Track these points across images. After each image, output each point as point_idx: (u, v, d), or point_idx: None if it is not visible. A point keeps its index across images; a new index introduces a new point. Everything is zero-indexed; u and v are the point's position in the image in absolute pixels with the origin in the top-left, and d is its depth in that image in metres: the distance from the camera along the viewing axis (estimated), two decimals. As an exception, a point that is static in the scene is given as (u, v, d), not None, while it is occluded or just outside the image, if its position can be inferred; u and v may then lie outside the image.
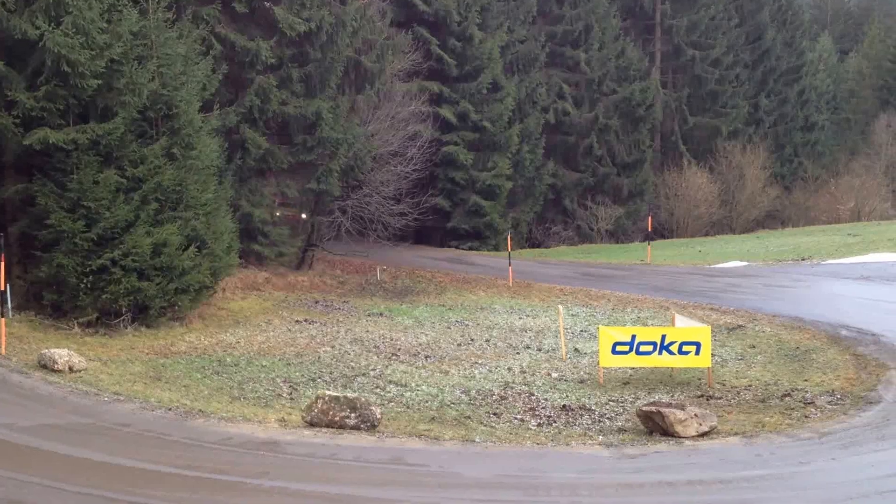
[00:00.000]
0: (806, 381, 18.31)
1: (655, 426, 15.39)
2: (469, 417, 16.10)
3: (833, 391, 17.52)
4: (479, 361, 20.03)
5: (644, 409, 15.77)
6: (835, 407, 16.68)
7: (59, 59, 20.03)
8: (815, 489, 12.94)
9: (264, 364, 19.14)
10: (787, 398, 17.19)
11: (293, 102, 29.63)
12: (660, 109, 55.09)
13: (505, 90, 43.19)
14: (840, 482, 13.14)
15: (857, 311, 23.46)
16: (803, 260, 33.49)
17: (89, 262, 20.58)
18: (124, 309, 21.01)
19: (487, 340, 22.21)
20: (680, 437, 15.09)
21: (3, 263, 18.29)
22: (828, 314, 23.48)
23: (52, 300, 20.97)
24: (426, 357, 20.34)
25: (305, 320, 24.07)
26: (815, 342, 21.26)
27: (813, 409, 16.53)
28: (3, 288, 18.55)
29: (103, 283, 20.66)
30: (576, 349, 21.02)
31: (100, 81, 20.62)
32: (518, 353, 20.88)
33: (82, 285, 20.58)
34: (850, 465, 13.88)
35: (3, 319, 18.17)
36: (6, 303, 19.26)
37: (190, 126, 22.58)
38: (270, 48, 28.16)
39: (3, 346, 18.38)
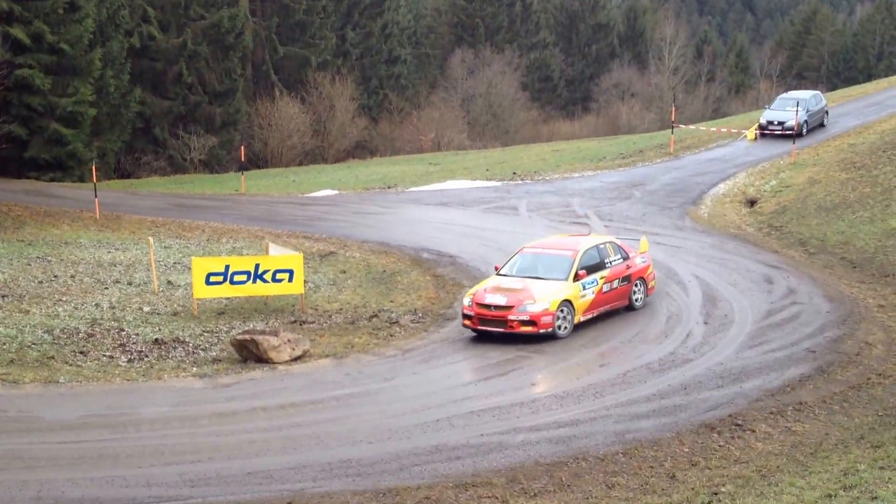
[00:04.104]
0: (392, 301, 19.53)
1: (250, 354, 15.64)
2: (53, 357, 15.22)
3: (416, 310, 18.89)
4: (64, 299, 18.88)
5: (238, 337, 15.94)
6: (417, 325, 18.03)
7: None
8: (398, 402, 14.00)
9: None
10: (375, 319, 18.26)
11: None
12: (250, 38, 54.61)
13: (84, 10, 40.22)
14: (420, 394, 14.33)
15: (437, 235, 25.30)
16: (389, 188, 35.29)
17: None
18: None
19: (72, 276, 20.97)
20: (274, 362, 15.50)
21: None
22: (411, 239, 25.07)
23: None
24: (2, 296, 18.76)
25: None
26: (399, 265, 22.65)
27: (398, 328, 17.74)
28: None
29: None
30: (169, 282, 20.56)
31: None
32: (107, 289, 19.97)
33: None
34: (429, 378, 15.18)
35: None
36: None
37: None
38: None
39: None
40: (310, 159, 53.72)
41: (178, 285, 20.26)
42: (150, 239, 21.24)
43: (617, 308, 17.96)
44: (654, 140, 41.21)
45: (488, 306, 16.77)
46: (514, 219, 27.41)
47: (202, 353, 16.02)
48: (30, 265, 21.98)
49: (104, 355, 15.56)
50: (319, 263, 22.70)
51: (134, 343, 16.27)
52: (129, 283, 20.52)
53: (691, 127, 41.35)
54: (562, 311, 16.72)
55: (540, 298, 16.63)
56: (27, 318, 17.35)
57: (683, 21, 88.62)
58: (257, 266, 18.58)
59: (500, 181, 34.40)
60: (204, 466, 11.24)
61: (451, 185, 34.53)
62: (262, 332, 16.04)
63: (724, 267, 21.37)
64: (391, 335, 17.34)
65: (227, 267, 18.50)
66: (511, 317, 16.57)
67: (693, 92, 71.38)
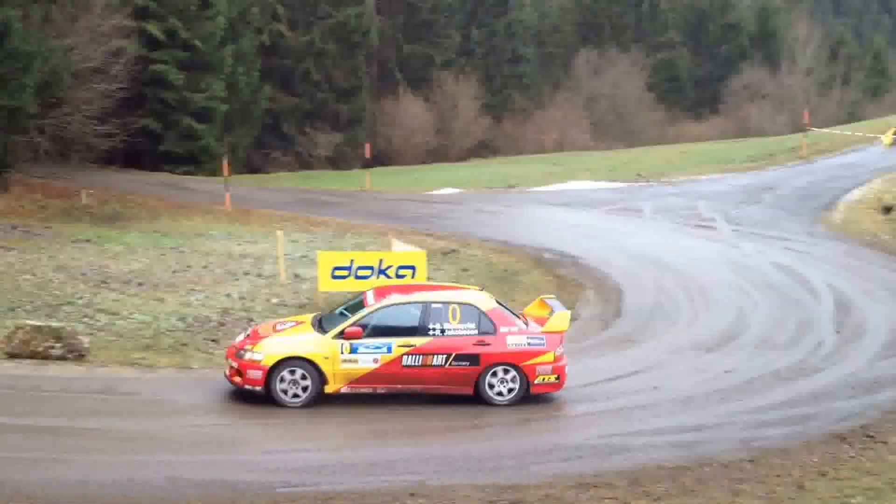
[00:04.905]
0: (513, 301, 19.43)
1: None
2: (186, 344, 15.76)
3: (536, 309, 18.79)
4: (196, 288, 19.54)
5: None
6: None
7: None
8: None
9: (-46, 294, 17.61)
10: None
11: (-21, 10, 26.89)
12: (376, 36, 55.43)
13: (215, 7, 41.55)
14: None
15: (559, 236, 25.17)
16: (511, 188, 35.29)
17: None
18: None
19: (205, 267, 21.68)
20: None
21: None
22: (532, 238, 25.01)
23: None
24: (139, 284, 19.53)
25: (2, 247, 22.28)
26: (521, 265, 22.62)
27: (518, 326, 17.67)
28: None
29: None
30: (296, 275, 21.03)
31: None
32: (237, 280, 20.57)
33: None
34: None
35: None
36: None
37: None
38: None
39: None
40: (433, 157, 54.13)
41: (305, 278, 20.69)
42: (279, 232, 21.77)
43: (450, 393, 13.06)
44: (785, 143, 40.00)
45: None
46: (637, 221, 27.05)
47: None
48: (164, 255, 22.84)
49: (234, 343, 16.01)
50: (441, 261, 22.84)
51: (262, 332, 16.68)
52: (258, 275, 21.08)
53: (825, 130, 39.97)
54: (291, 371, 12.60)
55: (263, 346, 12.78)
56: (162, 305, 18.02)
57: (818, 22, 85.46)
58: (381, 261, 18.81)
59: (623, 182, 34.00)
60: (327, 455, 11.46)
61: (573, 185, 34.32)
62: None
63: (857, 275, 20.58)
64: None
65: (351, 261, 18.80)
66: (228, 359, 13.18)
67: (827, 95, 68.91)
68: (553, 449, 11.87)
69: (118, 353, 14.80)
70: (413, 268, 18.63)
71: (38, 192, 30.13)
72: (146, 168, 39.47)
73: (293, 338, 13.06)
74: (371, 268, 18.73)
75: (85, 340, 14.52)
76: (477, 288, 14.66)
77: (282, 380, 12.62)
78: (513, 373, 12.98)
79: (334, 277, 18.58)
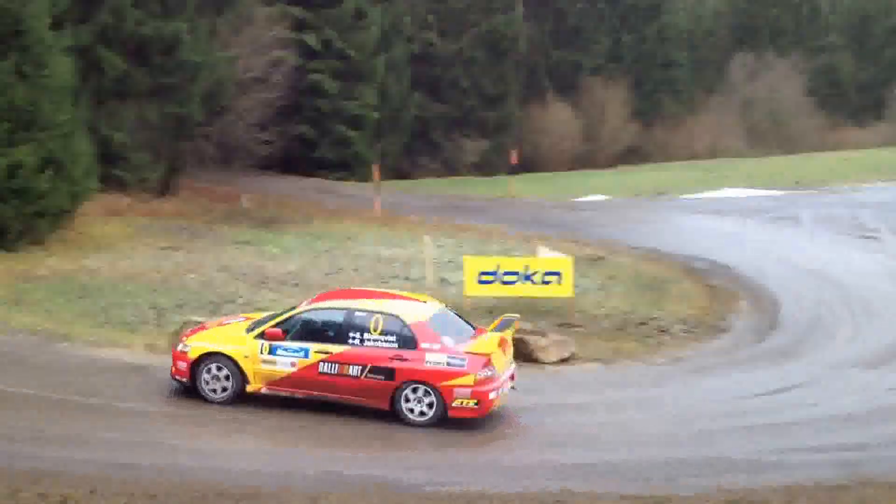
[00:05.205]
0: (661, 310, 19.18)
1: (518, 352, 15.85)
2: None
3: (687, 320, 18.43)
4: (348, 290, 20.06)
5: (508, 335, 16.19)
6: (688, 335, 17.59)
7: None
8: (665, 410, 13.71)
9: (129, 290, 18.68)
10: (644, 326, 18.00)
11: (150, 23, 28.42)
12: (524, 43, 55.46)
13: (369, 18, 42.58)
14: (690, 404, 13.96)
15: (711, 244, 24.59)
16: (661, 194, 34.71)
17: (-60, 185, 19.68)
18: (-20, 231, 20.22)
19: (355, 269, 22.25)
20: (542, 362, 15.64)
21: None
22: (683, 246, 24.51)
23: None
24: (294, 285, 20.23)
25: (170, 247, 23.50)
26: (670, 273, 22.22)
27: (667, 337, 17.39)
28: None
29: (-44, 206, 19.81)
30: (443, 279, 21.30)
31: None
32: (385, 283, 20.99)
33: (-66, 208, 19.69)
34: (700, 388, 14.75)
35: None
36: None
37: (40, 44, 21.57)
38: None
39: None
40: (580, 164, 53.69)
41: (451, 282, 20.92)
42: (427, 237, 22.11)
43: (365, 406, 12.27)
44: (956, 150, 37.79)
45: None
46: (795, 230, 26.15)
47: (473, 349, 16.41)
48: (317, 257, 23.58)
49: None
50: (588, 268, 22.67)
51: (411, 335, 16.95)
52: (406, 279, 21.47)
53: None
54: (218, 367, 12.44)
55: (192, 340, 12.77)
56: (315, 306, 18.57)
57: None
58: (526, 267, 18.89)
59: (780, 190, 32.91)
60: (461, 456, 11.57)
61: (726, 192, 33.46)
62: (531, 332, 16.25)
63: None
64: (660, 343, 17.03)
65: (497, 266, 18.95)
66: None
67: None
68: (703, 462, 11.59)
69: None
70: (559, 274, 18.60)
71: (203, 195, 31.61)
72: (301, 173, 40.76)
73: (221, 334, 12.96)
74: (517, 273, 18.81)
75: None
76: (433, 298, 14.10)
77: (206, 373, 12.48)
78: (429, 392, 12.05)
79: (480, 282, 18.76)
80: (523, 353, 15.72)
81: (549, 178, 45.58)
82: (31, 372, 13.34)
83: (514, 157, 37.66)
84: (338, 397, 12.31)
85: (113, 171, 27.16)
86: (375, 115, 42.84)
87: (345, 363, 12.16)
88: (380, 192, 30.83)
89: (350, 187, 37.77)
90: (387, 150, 45.90)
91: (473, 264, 19.00)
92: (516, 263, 19.20)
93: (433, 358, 12.03)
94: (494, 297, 19.42)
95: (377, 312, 12.37)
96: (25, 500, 9.21)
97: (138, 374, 13.69)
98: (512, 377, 12.89)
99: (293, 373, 12.33)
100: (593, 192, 36.44)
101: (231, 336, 12.80)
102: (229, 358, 12.44)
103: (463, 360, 12.04)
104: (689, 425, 12.86)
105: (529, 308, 19.14)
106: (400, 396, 12.08)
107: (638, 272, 22.45)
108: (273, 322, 12.69)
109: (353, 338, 12.26)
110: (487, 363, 12.07)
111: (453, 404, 11.96)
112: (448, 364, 12.01)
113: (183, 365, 12.58)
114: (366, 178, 39.13)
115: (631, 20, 62.22)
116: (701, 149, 56.62)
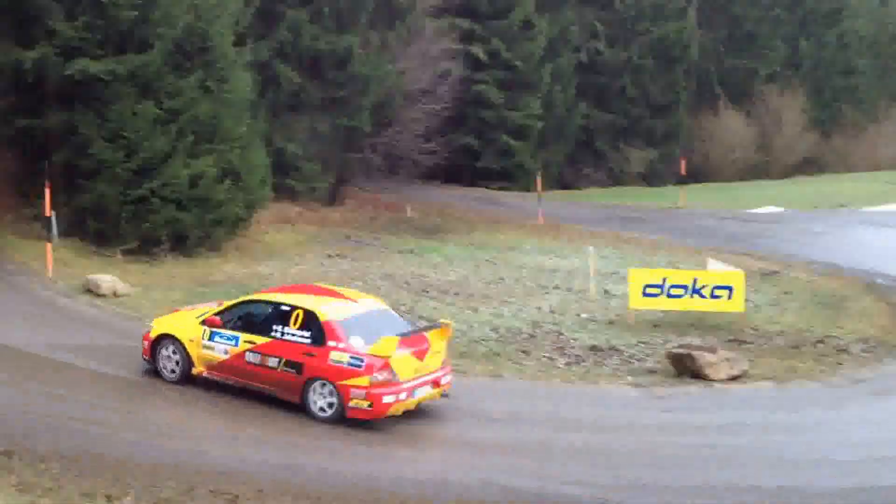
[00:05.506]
0: (840, 328, 18.18)
1: (685, 368, 15.39)
2: (498, 354, 16.18)
3: (867, 339, 17.39)
4: (509, 300, 20.04)
5: (674, 351, 15.76)
6: (868, 355, 16.58)
7: (95, -12, 20.15)
8: (845, 434, 12.93)
9: (298, 297, 19.28)
10: (821, 345, 17.10)
11: (324, 38, 29.48)
12: (696, 50, 54.07)
13: (536, 28, 42.57)
14: (870, 428, 13.12)
15: (895, 260, 23.20)
16: (841, 207, 33.08)
17: (129, 192, 21.15)
18: (164, 238, 21.52)
19: (517, 279, 22.20)
20: (710, 379, 15.08)
21: (48, 190, 18.62)
22: (864, 262, 23.22)
23: (96, 228, 21.51)
24: (455, 294, 20.38)
25: (337, 255, 24.18)
26: (850, 290, 21.06)
27: (846, 356, 16.43)
28: (49, 214, 18.91)
29: (143, 213, 21.22)
30: (606, 291, 20.96)
31: (136, 13, 20.72)
32: (547, 293, 20.86)
33: (123, 214, 21.18)
34: (882, 412, 13.86)
35: (49, 244, 18.56)
36: (53, 229, 19.74)
37: (224, 59, 22.73)
38: (302, -19, 27.99)
39: (50, 270, 19.14)
40: (752, 174, 51.80)
41: (614, 295, 20.55)
42: (591, 248, 21.82)
43: (283, 398, 12.53)
44: None
45: None
46: None
47: (637, 363, 16.07)
48: (479, 267, 23.67)
49: (544, 356, 16.22)
50: (760, 282, 21.78)
51: (572, 347, 16.78)
52: (568, 290, 21.25)
53: None
54: (171, 348, 13.30)
55: (157, 321, 13.86)
56: (476, 315, 18.66)
57: None
58: (695, 280, 18.32)
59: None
60: (637, 473, 11.26)
61: (911, 205, 31.49)
62: (699, 348, 15.73)
63: None
64: (838, 363, 16.11)
65: (664, 279, 18.46)
66: None
67: None
68: (884, 490, 10.87)
69: (436, 359, 15.47)
70: (730, 288, 17.95)
71: (369, 205, 32.38)
72: (464, 183, 41.13)
73: (178, 318, 13.74)
74: (684, 287, 18.28)
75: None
76: (379, 300, 14.18)
77: (162, 353, 13.33)
78: (330, 389, 12.15)
79: (645, 295, 18.33)
80: (690, 370, 15.24)
81: (720, 188, 44.14)
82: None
83: (682, 167, 36.73)
84: (260, 387, 12.69)
85: (285, 180, 28.25)
86: (540, 124, 42.75)
87: (266, 354, 12.59)
88: (543, 202, 30.68)
89: (513, 197, 37.80)
90: (550, 160, 45.69)
91: (639, 276, 18.60)
92: (684, 276, 18.67)
93: (336, 356, 12.19)
94: (660, 311, 18.93)
95: (298, 308, 12.67)
96: (200, 498, 9.63)
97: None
98: (436, 383, 12.73)
99: (226, 360, 12.92)
100: (767, 203, 35.02)
101: (184, 320, 13.58)
102: (178, 341, 13.25)
103: (361, 360, 12.09)
104: (866, 451, 12.10)
105: (697, 323, 18.58)
106: (308, 391, 12.28)
107: (815, 288, 21.40)
108: (217, 310, 13.40)
109: (276, 330, 12.65)
110: (384, 366, 12.00)
111: (350, 404, 12.06)
112: (349, 364, 12.10)
113: (146, 344, 13.59)
114: (529, 188, 39.11)
115: (810, 26, 59.73)
116: (884, 159, 53.57)
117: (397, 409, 12.21)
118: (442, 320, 13.71)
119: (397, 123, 34.22)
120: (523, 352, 16.43)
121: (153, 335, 13.52)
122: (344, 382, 12.05)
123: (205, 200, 21.77)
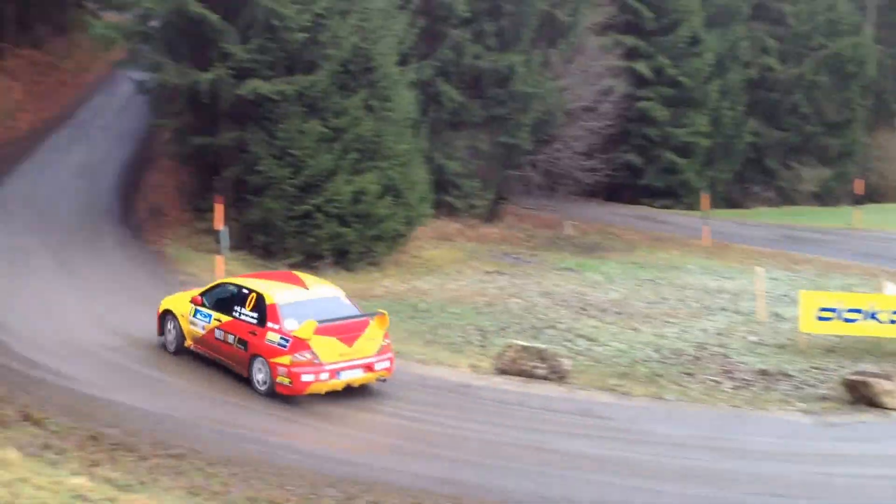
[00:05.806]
0: None
1: (861, 396, 14.57)
2: (660, 375, 15.75)
3: None
4: (672, 321, 19.52)
5: (850, 377, 14.95)
6: None
7: (270, 12, 21.02)
8: None
9: (455, 312, 19.43)
10: None
11: (486, 56, 29.67)
12: (873, 66, 51.54)
13: (704, 44, 41.53)
14: None
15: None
16: None
17: (295, 207, 21.90)
18: (326, 253, 22.07)
19: (680, 300, 21.60)
20: (887, 408, 14.22)
21: (220, 205, 19.46)
22: None
23: (263, 242, 22.34)
24: (616, 313, 20.00)
25: (495, 271, 24.20)
26: None
27: None
28: (220, 227, 19.72)
29: (308, 228, 21.91)
30: (776, 314, 20.09)
31: (306, 35, 21.47)
32: (713, 315, 20.19)
33: (289, 229, 21.95)
34: None
35: (221, 256, 19.39)
36: (224, 241, 20.52)
37: (387, 79, 23.20)
38: (466, 2, 28.26)
39: (219, 281, 19.89)
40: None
41: (785, 318, 19.69)
42: (759, 269, 21.00)
43: (237, 372, 13.84)
44: None
45: None
46: None
47: (809, 389, 15.32)
48: (640, 286, 23.17)
49: (709, 379, 15.68)
50: (945, 307, 20.36)
51: (739, 371, 16.16)
52: (735, 312, 20.51)
53: None
54: (170, 321, 14.89)
55: (167, 299, 15.30)
56: (637, 335, 18.26)
57: None
58: (872, 305, 17.39)
59: None
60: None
61: None
62: (875, 375, 14.85)
63: None
64: None
65: (838, 303, 17.61)
66: None
67: None
68: None
69: (596, 378, 15.22)
70: (911, 313, 16.90)
71: (527, 222, 32.30)
72: (625, 201, 40.45)
73: (179, 296, 15.19)
74: (860, 311, 17.43)
75: (566, 363, 15.15)
76: (335, 287, 14.83)
77: (167, 327, 14.92)
78: (263, 367, 13.27)
79: (819, 319, 17.49)
80: (866, 397, 14.42)
81: (898, 209, 41.78)
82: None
83: (859, 187, 34.98)
84: (225, 361, 14.03)
85: (445, 197, 28.55)
86: (706, 142, 41.65)
87: (227, 332, 13.95)
88: (708, 221, 29.81)
89: (675, 215, 36.92)
90: (717, 178, 44.38)
91: (811, 299, 17.76)
92: (861, 300, 17.76)
93: (271, 336, 13.35)
94: (834, 336, 18.01)
95: (253, 291, 13.94)
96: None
97: (460, 393, 14.13)
98: (369, 367, 13.41)
99: (203, 335, 14.38)
100: (955, 224, 32.93)
101: (182, 299, 15.00)
102: (175, 316, 14.80)
103: (287, 341, 13.13)
104: None
105: (872, 348, 17.59)
106: (252, 366, 13.52)
107: None
108: (201, 290, 14.80)
109: (237, 311, 13.96)
110: (304, 347, 12.95)
111: (276, 380, 13.15)
112: (278, 343, 13.20)
113: (155, 320, 15.11)
114: (693, 206, 38.10)
115: None
116: None
117: (318, 389, 13.09)
118: (378, 309, 14.44)
119: (558, 141, 34.04)
120: (687, 374, 15.94)
121: (160, 310, 15.13)
122: (273, 360, 13.20)
123: (366, 216, 22.27)
